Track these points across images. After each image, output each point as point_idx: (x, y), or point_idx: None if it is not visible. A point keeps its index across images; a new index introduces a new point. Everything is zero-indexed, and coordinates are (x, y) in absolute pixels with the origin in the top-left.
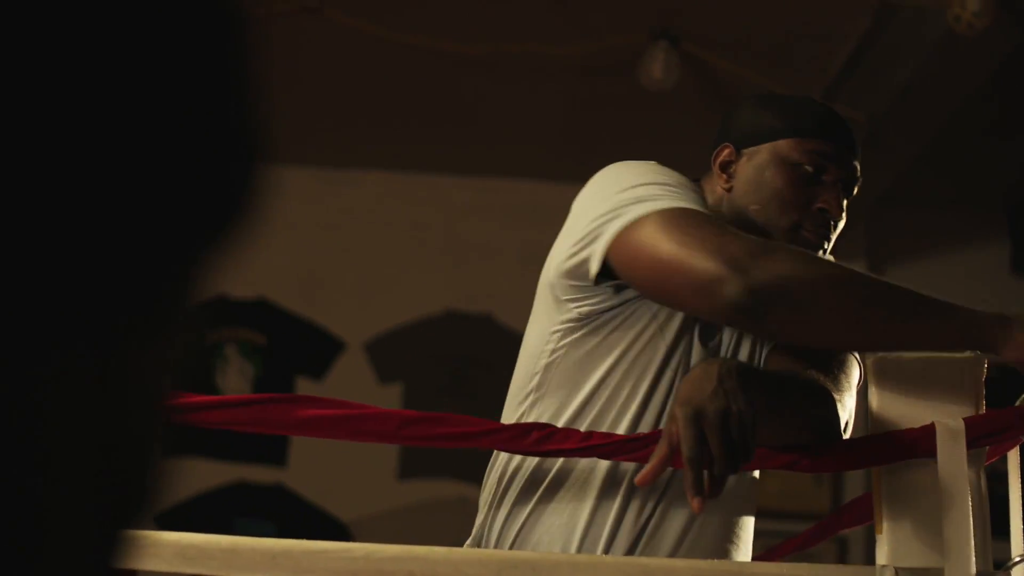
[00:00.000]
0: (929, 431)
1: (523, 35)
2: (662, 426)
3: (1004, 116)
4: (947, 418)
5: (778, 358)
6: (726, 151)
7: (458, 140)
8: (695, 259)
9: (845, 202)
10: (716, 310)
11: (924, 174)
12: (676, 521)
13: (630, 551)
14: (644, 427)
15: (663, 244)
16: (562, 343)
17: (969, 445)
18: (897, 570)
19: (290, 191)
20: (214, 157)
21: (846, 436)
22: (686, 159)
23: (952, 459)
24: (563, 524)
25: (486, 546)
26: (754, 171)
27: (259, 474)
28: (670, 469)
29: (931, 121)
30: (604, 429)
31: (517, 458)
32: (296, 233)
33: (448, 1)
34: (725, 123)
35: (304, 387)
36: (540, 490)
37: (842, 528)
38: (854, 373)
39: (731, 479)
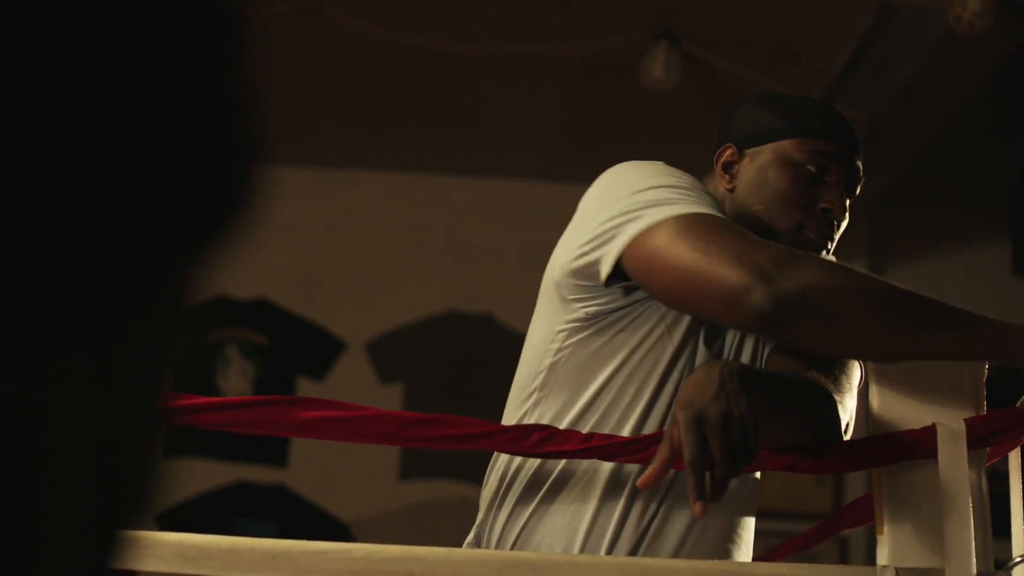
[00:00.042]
0: (930, 432)
1: (523, 35)
2: (666, 428)
3: (1004, 116)
4: (948, 419)
5: (779, 359)
6: (728, 151)
7: (458, 140)
8: (720, 268)
9: (848, 202)
10: (742, 319)
11: (925, 174)
12: (679, 523)
13: (633, 553)
14: (649, 428)
15: (684, 252)
16: (567, 342)
17: (970, 446)
18: (898, 571)
19: (290, 191)
20: (213, 157)
21: (847, 437)
22: (687, 159)
23: (953, 460)
24: (565, 525)
25: (486, 546)
26: (757, 171)
27: (260, 474)
28: (673, 471)
29: (932, 121)
30: (608, 430)
31: (518, 458)
32: (296, 233)
33: (448, 1)
34: (727, 123)
35: (305, 387)
36: (542, 491)
37: (843, 528)
38: (855, 374)
39: (733, 481)
